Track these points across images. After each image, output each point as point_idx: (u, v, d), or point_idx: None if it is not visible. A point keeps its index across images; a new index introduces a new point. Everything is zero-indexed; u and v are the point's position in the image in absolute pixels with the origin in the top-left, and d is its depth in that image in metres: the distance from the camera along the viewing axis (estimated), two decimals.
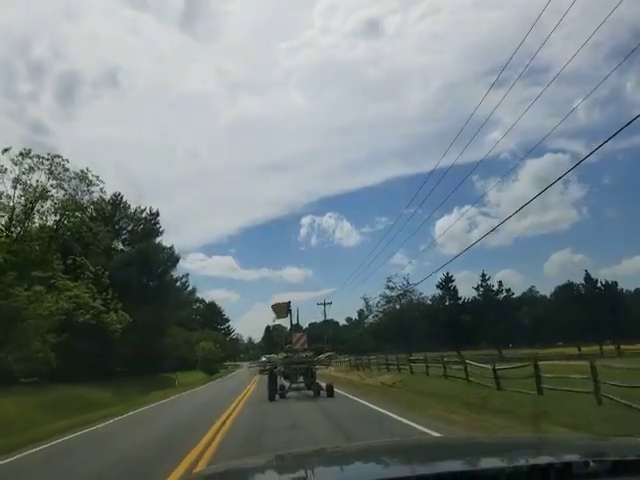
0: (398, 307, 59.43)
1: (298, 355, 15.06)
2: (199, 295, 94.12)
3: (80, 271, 18.43)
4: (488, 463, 1.39)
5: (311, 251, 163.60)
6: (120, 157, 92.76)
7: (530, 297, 68.39)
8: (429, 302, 63.25)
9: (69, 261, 18.51)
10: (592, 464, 1.17)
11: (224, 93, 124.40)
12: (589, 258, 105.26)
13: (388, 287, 57.65)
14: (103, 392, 19.25)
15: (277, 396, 13.29)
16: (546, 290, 74.98)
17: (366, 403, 11.03)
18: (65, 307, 18.20)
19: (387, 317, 59.88)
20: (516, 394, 10.24)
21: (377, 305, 61.62)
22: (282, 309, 16.99)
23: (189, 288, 49.21)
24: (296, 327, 18.41)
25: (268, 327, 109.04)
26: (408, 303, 58.87)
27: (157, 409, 14.40)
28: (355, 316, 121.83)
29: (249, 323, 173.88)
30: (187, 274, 52.60)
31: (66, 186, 19.09)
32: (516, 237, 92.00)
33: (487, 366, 13.17)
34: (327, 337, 62.49)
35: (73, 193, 19.18)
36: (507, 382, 11.69)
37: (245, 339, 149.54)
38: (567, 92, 69.52)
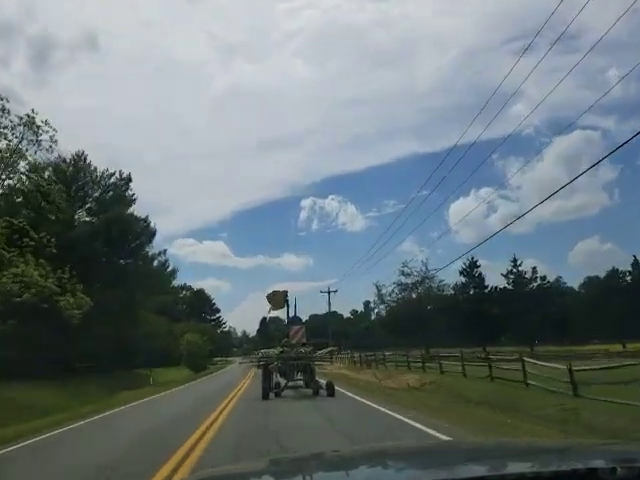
0: (414, 296, 57.18)
1: (295, 350, 14.90)
2: (186, 282, 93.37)
3: (21, 242, 15.94)
4: (505, 468, 1.40)
5: (312, 237, 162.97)
6: (99, 130, 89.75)
7: (557, 288, 66.24)
8: (450, 291, 60.56)
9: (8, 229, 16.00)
10: (620, 470, 1.20)
11: (216, 59, 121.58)
12: (618, 247, 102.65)
13: (403, 273, 55.52)
14: (55, 393, 16.97)
15: (272, 394, 13.46)
16: (573, 281, 72.90)
17: (408, 421, 8.52)
18: (10, 287, 15.84)
19: (401, 307, 58.15)
20: (620, 406, 8.17)
21: (390, 294, 59.48)
22: (278, 299, 17.15)
23: (169, 269, 46.55)
24: (294, 319, 18.15)
25: (264, 319, 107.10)
26: (426, 292, 56.51)
27: (111, 419, 11.97)
28: (360, 308, 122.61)
29: (243, 315, 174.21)
30: (165, 250, 49.69)
31: (9, 135, 16.64)
32: (539, 222, 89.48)
33: (557, 365, 11.08)
34: (331, 330, 60.91)
35: (17, 142, 16.69)
36: (586, 388, 9.99)
37: (239, 332, 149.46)
38: (599, 62, 66.28)
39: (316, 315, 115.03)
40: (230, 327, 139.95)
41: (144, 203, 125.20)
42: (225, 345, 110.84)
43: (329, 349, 16.00)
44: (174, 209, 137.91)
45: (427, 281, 56.03)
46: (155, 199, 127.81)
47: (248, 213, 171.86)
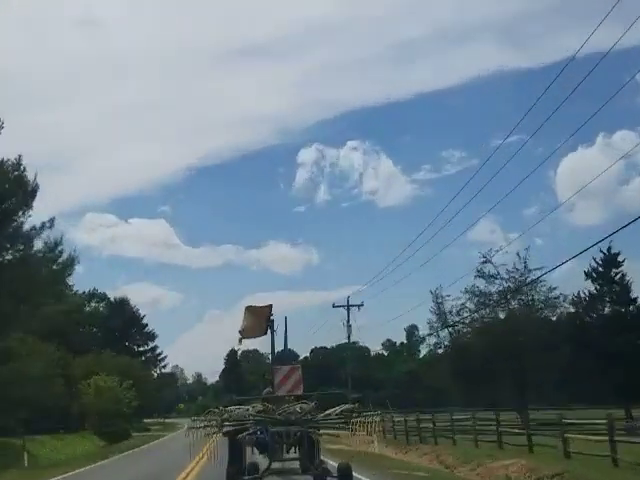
0: (503, 316, 55.60)
1: (285, 408, 15.11)
2: (99, 288, 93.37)
3: None
4: None
5: (316, 214, 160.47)
6: None
7: None
8: (568, 308, 57.95)
9: None
10: None
11: None
12: None
13: (481, 275, 53.39)
14: None
15: None
16: None
17: None
18: None
19: (478, 336, 56.64)
20: None
21: (458, 312, 57.95)
22: (256, 319, 17.69)
23: (62, 257, 43.99)
24: (282, 355, 19.58)
25: (232, 353, 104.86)
26: (525, 309, 54.40)
27: None
28: (399, 338, 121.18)
29: (197, 348, 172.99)
30: (52, 220, 46.84)
31: None
32: None
33: None
34: (350, 374, 62.39)
35: None
36: None
37: (189, 376, 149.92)
38: None
39: (324, 349, 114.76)
40: (175, 367, 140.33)
41: (27, 150, 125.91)
42: (166, 398, 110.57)
43: (344, 407, 15.51)
44: (81, 163, 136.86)
45: (526, 290, 53.26)
46: (47, 145, 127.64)
47: (208, 172, 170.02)
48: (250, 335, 18.77)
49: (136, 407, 55.83)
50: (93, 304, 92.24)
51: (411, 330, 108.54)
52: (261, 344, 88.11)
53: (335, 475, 14.07)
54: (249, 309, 17.58)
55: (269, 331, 18.00)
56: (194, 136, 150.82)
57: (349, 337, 60.89)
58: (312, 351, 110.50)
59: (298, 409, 15.04)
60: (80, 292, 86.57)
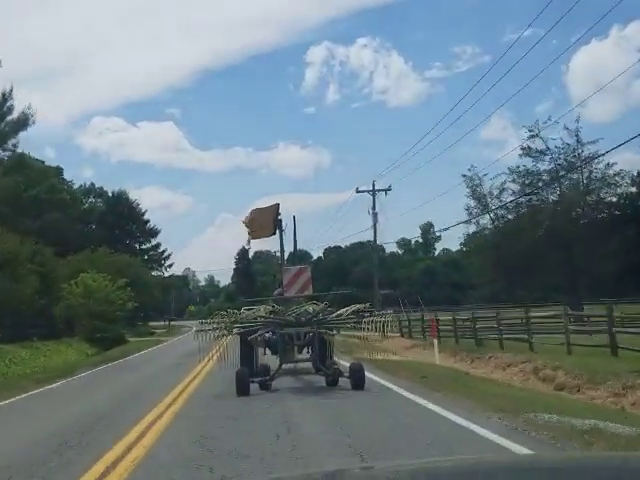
0: (554, 199, 50.54)
1: (295, 309, 15.68)
2: (93, 182, 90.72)
3: None
4: None
5: (327, 114, 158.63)
6: None
7: None
8: (628, 186, 52.99)
9: None
10: None
11: None
12: None
13: (527, 152, 49.33)
14: None
15: (255, 386, 14.14)
16: None
17: None
18: None
19: (522, 223, 51.63)
20: None
21: (498, 195, 53.45)
22: (264, 219, 17.70)
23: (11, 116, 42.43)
24: (291, 257, 19.52)
25: (243, 253, 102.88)
26: (579, 191, 49.10)
27: None
28: (412, 235, 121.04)
29: (209, 252, 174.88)
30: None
31: None
32: None
33: None
34: (376, 268, 57.90)
35: None
36: None
37: (201, 279, 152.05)
38: None
39: (337, 249, 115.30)
40: (186, 270, 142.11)
41: (34, 53, 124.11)
42: (178, 300, 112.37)
43: (356, 307, 15.70)
44: (88, 66, 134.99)
45: (581, 166, 47.52)
46: (54, 49, 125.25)
47: (217, 74, 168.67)
48: (258, 235, 18.83)
49: (135, 309, 51.76)
50: (90, 200, 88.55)
51: (426, 228, 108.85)
52: (272, 245, 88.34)
53: (347, 374, 14.19)
54: (256, 210, 17.63)
55: (277, 231, 18.23)
56: (202, 38, 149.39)
57: (375, 227, 53.51)
58: (325, 251, 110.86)
59: (309, 310, 15.42)
60: (78, 185, 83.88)
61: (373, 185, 52.95)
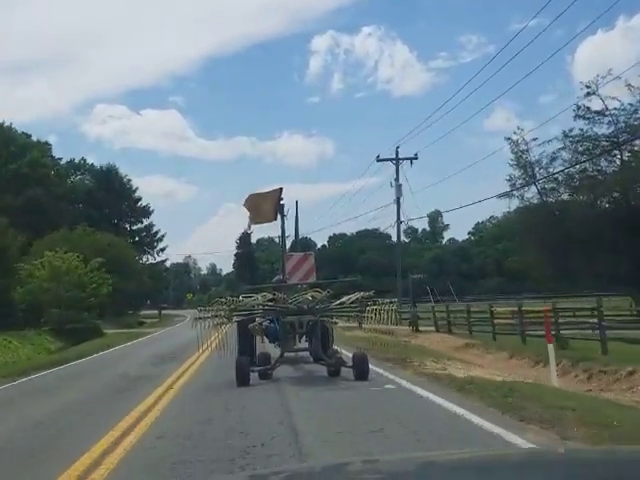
0: (615, 167, 43.50)
1: (297, 296, 15.58)
2: (84, 158, 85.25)
3: None
4: None
5: (330, 104, 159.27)
6: None
7: None
8: None
9: None
10: None
11: None
12: None
13: (582, 114, 41.92)
14: None
15: (254, 376, 14.02)
16: None
17: None
18: None
19: (575, 197, 45.84)
20: None
21: (548, 165, 45.92)
22: (265, 205, 17.61)
23: None
24: (293, 244, 20.35)
25: (244, 237, 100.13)
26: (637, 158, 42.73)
27: None
28: (422, 225, 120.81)
29: (213, 240, 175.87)
30: None
31: None
32: None
33: None
34: (399, 252, 55.92)
35: None
36: None
37: (203, 268, 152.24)
38: None
39: (343, 236, 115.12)
40: (187, 258, 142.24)
41: (37, 40, 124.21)
42: (177, 288, 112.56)
43: (359, 294, 15.51)
44: (90, 54, 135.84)
45: None
46: (56, 37, 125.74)
47: (221, 63, 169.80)
48: (260, 221, 18.75)
49: (110, 294, 44.84)
50: (76, 175, 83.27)
51: (434, 216, 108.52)
52: (275, 231, 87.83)
53: (349, 363, 14.15)
54: (257, 194, 17.77)
55: (278, 217, 18.27)
56: (207, 26, 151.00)
57: (398, 201, 47.44)
58: (330, 239, 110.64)
59: (310, 297, 15.24)
60: (62, 163, 78.17)
61: (396, 152, 47.03)
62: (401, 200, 47.50)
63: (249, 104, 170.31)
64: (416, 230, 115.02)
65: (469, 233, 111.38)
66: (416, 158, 46.92)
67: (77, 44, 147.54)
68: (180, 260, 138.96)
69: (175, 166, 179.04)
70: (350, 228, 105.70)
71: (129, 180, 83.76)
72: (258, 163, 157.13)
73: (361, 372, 13.68)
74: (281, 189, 17.75)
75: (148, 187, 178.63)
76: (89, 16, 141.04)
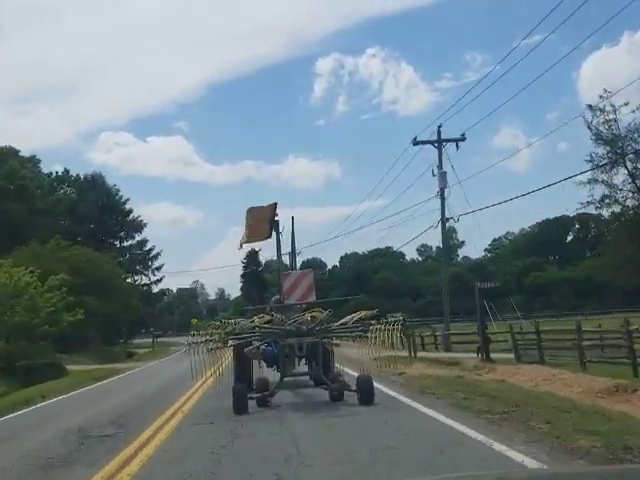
0: None
1: (296, 317, 15.24)
2: (67, 169, 77.77)
3: None
4: None
5: (336, 126, 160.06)
6: None
7: None
8: None
9: None
10: None
11: None
12: None
13: None
14: None
15: (252, 403, 13.74)
16: None
17: None
18: None
19: None
20: None
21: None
22: (259, 221, 17.31)
23: None
24: (304, 263, 18.31)
25: (252, 255, 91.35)
26: None
27: None
28: (434, 243, 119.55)
29: (221, 265, 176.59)
30: None
31: None
32: None
33: None
34: (444, 262, 47.27)
35: None
36: None
37: (212, 293, 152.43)
38: None
39: (354, 256, 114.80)
40: (195, 283, 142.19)
41: (42, 68, 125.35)
42: (185, 314, 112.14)
43: (363, 313, 15.18)
44: (95, 82, 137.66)
45: None
46: (61, 66, 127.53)
47: (226, 87, 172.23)
48: (253, 239, 18.37)
49: (79, 322, 35.32)
50: (61, 187, 76.29)
51: (449, 233, 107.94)
52: (284, 249, 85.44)
53: (354, 389, 13.78)
54: (251, 210, 17.29)
55: (274, 233, 18.01)
56: (210, 51, 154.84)
57: (442, 194, 39.04)
58: (342, 259, 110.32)
59: (309, 318, 15.02)
60: (46, 174, 72.75)
61: (439, 132, 39.38)
62: (445, 193, 39.11)
63: (254, 128, 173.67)
64: (430, 247, 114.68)
65: (485, 250, 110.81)
66: (463, 139, 39.31)
67: (80, 73, 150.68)
68: (187, 285, 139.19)
69: (182, 192, 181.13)
70: (369, 243, 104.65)
71: (118, 190, 76.27)
72: (264, 186, 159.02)
73: (366, 396, 13.37)
74: (275, 204, 17.45)
75: (155, 214, 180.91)
76: (91, 45, 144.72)
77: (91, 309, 40.22)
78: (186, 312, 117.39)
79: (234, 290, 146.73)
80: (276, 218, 17.81)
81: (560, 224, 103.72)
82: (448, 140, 39.04)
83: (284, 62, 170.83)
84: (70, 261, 45.13)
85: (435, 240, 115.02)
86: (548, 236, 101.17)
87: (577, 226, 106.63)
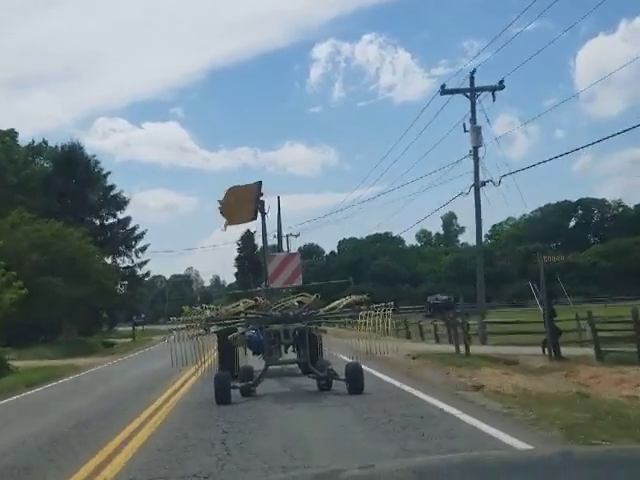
0: None
1: (282, 302, 15.16)
2: (45, 140, 70.46)
3: None
4: None
5: (332, 113, 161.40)
6: None
7: None
8: None
9: None
10: None
11: None
12: None
13: None
14: None
15: (235, 392, 13.45)
16: None
17: None
18: None
19: None
20: None
21: None
22: (243, 201, 16.99)
23: None
24: (300, 249, 17.90)
25: (248, 236, 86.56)
26: None
27: None
28: (436, 229, 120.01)
29: (216, 252, 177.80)
30: None
31: None
32: None
33: None
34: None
35: None
36: None
37: (206, 279, 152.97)
38: None
39: (353, 241, 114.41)
40: (189, 269, 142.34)
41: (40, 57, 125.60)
42: (179, 301, 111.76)
43: (352, 299, 15.07)
44: (91, 69, 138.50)
45: None
46: (58, 52, 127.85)
47: (222, 74, 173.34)
48: (237, 220, 18.12)
49: (23, 303, 29.23)
50: (41, 163, 68.95)
51: (449, 219, 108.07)
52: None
53: (342, 378, 13.60)
54: (232, 189, 16.80)
55: (259, 215, 17.92)
56: (207, 37, 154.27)
57: (475, 153, 33.64)
58: (340, 244, 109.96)
59: (296, 303, 14.95)
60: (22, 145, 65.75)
61: (471, 80, 34.31)
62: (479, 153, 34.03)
63: (250, 115, 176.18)
64: (429, 233, 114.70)
65: (486, 236, 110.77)
66: (502, 87, 34.18)
67: (77, 59, 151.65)
68: (181, 272, 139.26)
69: (177, 178, 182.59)
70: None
71: (97, 162, 68.94)
72: (261, 173, 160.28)
73: (355, 385, 13.19)
74: (260, 182, 17.18)
75: (149, 201, 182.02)
76: (89, 31, 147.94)
77: (58, 291, 36.99)
78: (180, 299, 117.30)
79: (230, 277, 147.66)
80: (262, 198, 17.54)
81: (562, 209, 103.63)
82: (483, 89, 34.26)
83: (281, 49, 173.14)
84: (33, 236, 40.38)
85: (435, 226, 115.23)
86: (551, 221, 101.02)
87: (580, 211, 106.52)
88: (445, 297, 34.49)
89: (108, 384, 19.91)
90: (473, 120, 33.68)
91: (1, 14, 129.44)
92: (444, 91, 35.19)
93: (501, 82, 34.02)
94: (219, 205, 16.70)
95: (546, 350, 20.66)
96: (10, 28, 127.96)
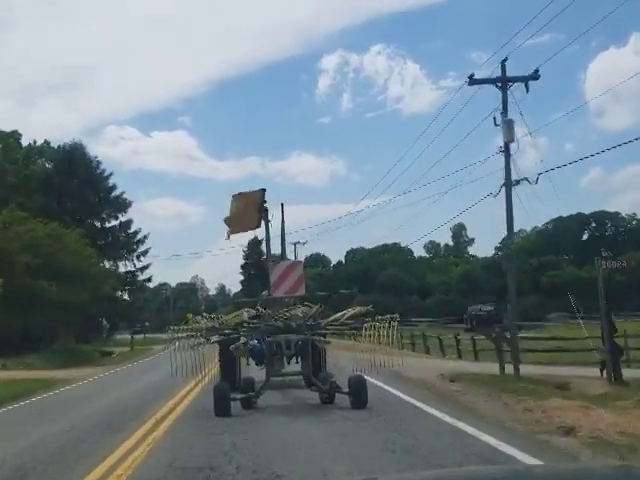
0: None
1: (284, 312, 14.92)
2: (47, 140, 69.59)
3: None
4: None
5: (341, 123, 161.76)
6: None
7: None
8: None
9: None
10: None
11: None
12: None
13: None
14: None
15: (235, 404, 13.31)
16: None
17: None
18: None
19: None
20: None
21: None
22: (246, 209, 17.02)
23: None
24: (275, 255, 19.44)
25: (255, 243, 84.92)
26: None
27: None
28: (445, 240, 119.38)
29: (222, 261, 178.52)
30: None
31: None
32: None
33: None
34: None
35: None
36: None
37: (212, 288, 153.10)
38: None
39: (361, 250, 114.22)
40: (194, 278, 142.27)
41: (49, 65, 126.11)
42: (183, 309, 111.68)
43: (356, 310, 14.82)
44: (101, 77, 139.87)
45: None
46: (67, 61, 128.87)
47: (231, 84, 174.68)
48: (240, 228, 18.02)
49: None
50: (43, 163, 68.34)
51: (458, 230, 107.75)
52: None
53: (345, 391, 13.46)
54: (236, 197, 16.60)
55: (263, 222, 18.10)
56: (216, 47, 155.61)
57: (507, 149, 30.24)
58: (347, 253, 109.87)
59: (300, 314, 14.72)
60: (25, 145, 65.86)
61: (503, 68, 31.18)
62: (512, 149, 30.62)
63: (259, 125, 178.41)
64: (438, 244, 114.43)
65: (495, 248, 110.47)
66: (536, 77, 31.19)
67: (87, 68, 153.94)
68: (187, 280, 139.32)
69: (185, 187, 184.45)
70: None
71: (99, 163, 67.66)
72: (268, 183, 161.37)
73: (359, 399, 13.04)
74: (264, 190, 17.08)
75: (156, 209, 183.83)
76: (99, 41, 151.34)
77: (51, 296, 35.11)
78: (185, 307, 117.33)
79: (235, 286, 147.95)
80: (265, 205, 17.47)
81: (575, 222, 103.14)
82: (515, 79, 31.18)
83: (290, 59, 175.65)
84: (26, 237, 38.07)
85: (444, 237, 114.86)
86: (563, 234, 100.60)
87: (593, 224, 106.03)
88: (490, 308, 32.70)
89: (80, 409, 16.00)
90: (505, 113, 30.58)
91: (11, 23, 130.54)
92: (472, 81, 32.02)
93: (536, 70, 30.99)
94: (232, 212, 16.70)
95: (604, 372, 18.13)
96: (21, 37, 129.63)
